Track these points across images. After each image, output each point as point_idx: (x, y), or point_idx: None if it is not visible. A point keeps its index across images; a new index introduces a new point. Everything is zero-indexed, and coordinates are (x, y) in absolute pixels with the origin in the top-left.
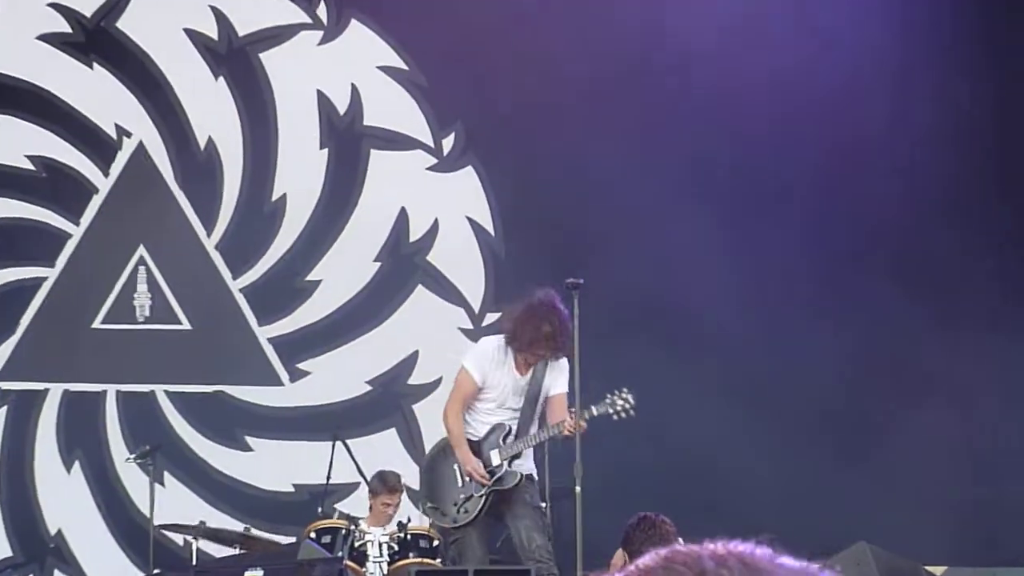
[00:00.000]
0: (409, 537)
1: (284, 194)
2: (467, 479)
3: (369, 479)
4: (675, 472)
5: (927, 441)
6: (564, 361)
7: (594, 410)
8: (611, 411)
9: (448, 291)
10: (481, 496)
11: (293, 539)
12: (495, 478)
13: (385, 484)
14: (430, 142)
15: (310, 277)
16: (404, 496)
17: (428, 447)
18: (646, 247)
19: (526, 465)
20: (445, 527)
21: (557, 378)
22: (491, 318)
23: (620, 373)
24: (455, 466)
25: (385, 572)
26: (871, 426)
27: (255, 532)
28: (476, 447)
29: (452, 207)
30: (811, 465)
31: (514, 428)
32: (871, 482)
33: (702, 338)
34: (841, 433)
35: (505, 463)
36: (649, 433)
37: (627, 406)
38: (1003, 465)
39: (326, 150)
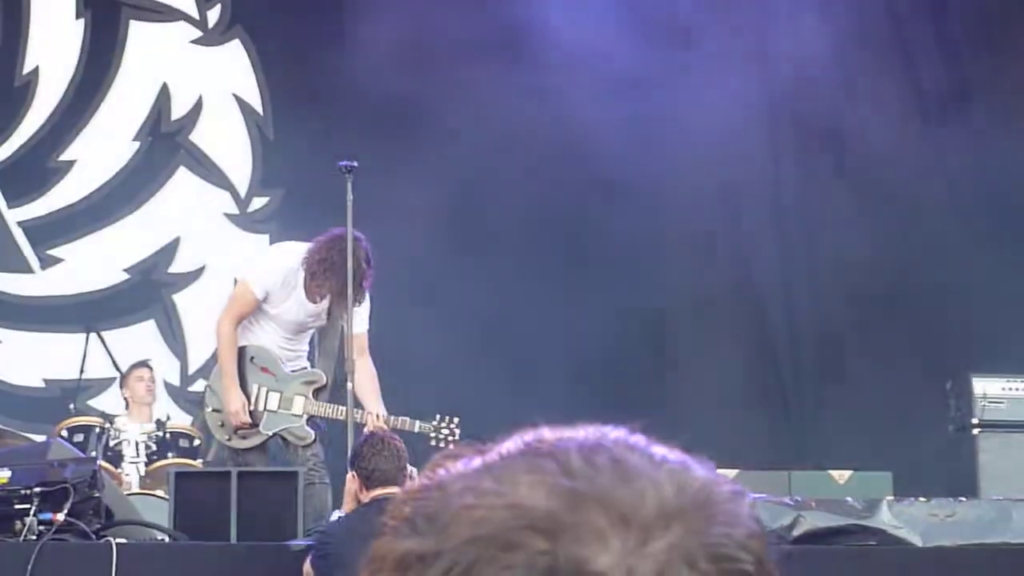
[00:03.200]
0: (168, 436)
1: (36, 67)
2: (256, 407)
3: None
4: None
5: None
6: (366, 298)
7: (417, 426)
8: (432, 435)
9: (212, 173)
10: (265, 435)
11: (43, 438)
12: (286, 428)
13: (131, 364)
14: (194, 13)
15: (64, 157)
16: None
17: (189, 340)
18: (428, 128)
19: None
20: (221, 441)
21: (357, 315)
22: (258, 203)
23: (396, 258)
24: (249, 383)
25: (143, 473)
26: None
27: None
28: (263, 368)
29: (217, 83)
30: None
31: (327, 382)
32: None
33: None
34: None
35: (304, 418)
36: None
37: (451, 437)
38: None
39: (82, 20)
